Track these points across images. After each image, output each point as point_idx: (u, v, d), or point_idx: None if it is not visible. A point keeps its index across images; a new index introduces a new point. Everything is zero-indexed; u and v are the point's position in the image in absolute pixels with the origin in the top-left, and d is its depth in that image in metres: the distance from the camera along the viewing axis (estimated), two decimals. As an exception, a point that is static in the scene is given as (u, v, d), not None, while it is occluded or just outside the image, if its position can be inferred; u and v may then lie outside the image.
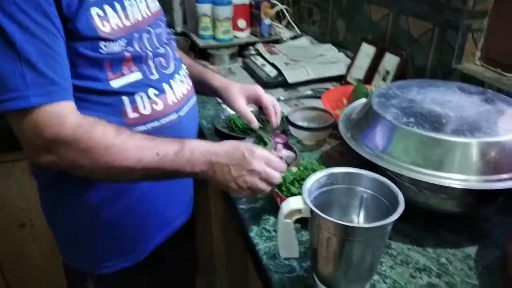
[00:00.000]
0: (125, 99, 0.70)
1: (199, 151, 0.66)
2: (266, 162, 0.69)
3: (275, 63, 1.39)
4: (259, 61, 1.46)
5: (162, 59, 0.76)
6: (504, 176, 0.65)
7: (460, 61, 1.03)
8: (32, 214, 1.42)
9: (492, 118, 0.71)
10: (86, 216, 0.76)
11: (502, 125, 0.70)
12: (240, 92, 0.91)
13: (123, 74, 0.69)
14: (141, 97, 0.72)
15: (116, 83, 0.69)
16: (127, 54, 0.69)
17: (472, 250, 0.69)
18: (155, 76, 0.74)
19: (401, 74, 1.18)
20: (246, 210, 0.80)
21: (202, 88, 0.96)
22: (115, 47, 0.66)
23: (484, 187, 0.65)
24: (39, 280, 1.52)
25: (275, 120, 0.91)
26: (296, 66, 1.39)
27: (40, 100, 0.59)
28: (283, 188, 0.75)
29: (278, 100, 1.20)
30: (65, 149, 0.61)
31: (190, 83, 0.86)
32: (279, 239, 0.59)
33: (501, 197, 0.71)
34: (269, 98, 0.92)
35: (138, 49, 0.71)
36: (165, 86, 0.76)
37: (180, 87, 0.80)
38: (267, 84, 1.33)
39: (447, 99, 0.77)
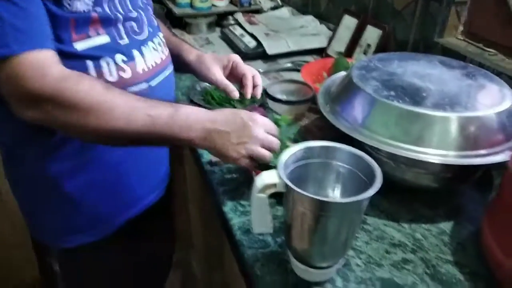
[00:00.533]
0: (90, 63, 0.65)
1: (195, 116, 0.63)
2: (267, 129, 0.67)
3: (255, 34, 1.34)
4: (238, 31, 1.41)
5: (134, 24, 0.71)
6: (482, 151, 0.64)
7: (443, 35, 1.01)
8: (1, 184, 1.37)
9: (473, 93, 0.70)
10: (47, 187, 0.72)
11: (482, 100, 0.68)
12: (214, 61, 0.86)
13: (88, 36, 0.64)
14: (107, 63, 0.66)
15: (80, 45, 0.63)
16: (94, 15, 0.64)
17: (447, 225, 0.69)
18: (125, 41, 0.69)
19: (382, 48, 1.15)
20: (221, 185, 0.77)
21: (176, 63, 0.88)
22: (80, 6, 0.61)
23: (462, 163, 0.64)
24: (9, 254, 1.48)
25: (254, 91, 0.84)
26: (276, 38, 1.35)
27: (21, 47, 0.55)
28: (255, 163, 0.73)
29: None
30: (49, 105, 0.57)
31: (166, 53, 0.81)
32: (252, 214, 0.57)
33: (478, 172, 0.70)
34: (248, 67, 0.86)
35: (107, 10, 0.66)
36: (135, 52, 0.71)
37: (152, 55, 0.75)
38: (246, 55, 1.29)
39: (428, 73, 0.75)
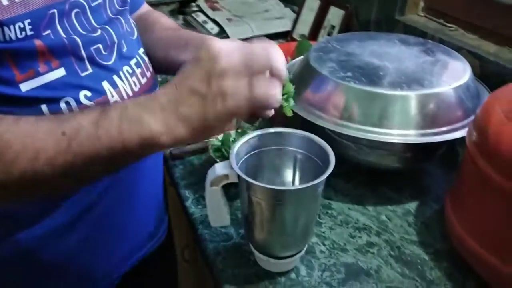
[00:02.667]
0: (44, 108, 0.48)
1: (135, 103, 0.44)
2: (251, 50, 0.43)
3: (217, 20, 1.31)
4: (201, 18, 1.37)
5: (100, 46, 0.53)
6: (443, 128, 0.63)
7: (404, 12, 0.99)
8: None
9: (431, 69, 0.69)
10: (16, 257, 0.56)
11: (441, 76, 0.67)
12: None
13: (37, 73, 0.47)
14: (68, 104, 0.49)
15: (27, 86, 0.47)
16: (39, 43, 0.46)
17: (412, 206, 0.68)
18: (88, 71, 0.52)
19: (346, 28, 1.14)
20: (182, 178, 0.75)
21: (179, 53, 0.66)
22: (13, 33, 0.44)
23: (423, 141, 0.63)
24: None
25: None
26: (239, 23, 1.31)
27: None
28: (218, 153, 0.70)
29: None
30: None
31: (149, 73, 0.62)
32: (208, 208, 0.55)
33: (441, 149, 0.69)
34: None
35: (60, 33, 0.49)
36: (104, 85, 0.53)
37: (129, 82, 0.57)
38: (209, 43, 1.25)
39: (386, 51, 0.74)
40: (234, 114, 0.44)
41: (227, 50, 0.43)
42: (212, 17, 1.34)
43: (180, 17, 1.50)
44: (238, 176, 0.50)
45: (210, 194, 0.53)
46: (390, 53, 0.73)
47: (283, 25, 1.32)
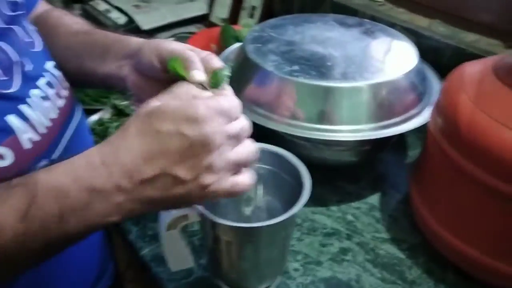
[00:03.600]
0: None
1: (78, 186, 0.33)
2: (223, 115, 0.36)
3: (122, 8, 1.16)
4: (102, 6, 1.20)
5: None
6: (398, 119, 0.60)
7: (328, -12, 0.94)
8: None
9: (378, 54, 0.65)
10: None
11: (389, 61, 0.63)
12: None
13: None
14: None
15: None
16: None
17: (375, 198, 0.65)
18: None
19: (268, 9, 1.06)
20: (119, 207, 0.64)
21: (98, 64, 0.52)
22: None
23: (379, 136, 0.59)
24: None
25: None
26: (149, 9, 1.18)
27: None
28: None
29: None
30: None
31: (67, 89, 0.50)
32: (166, 253, 0.46)
33: (394, 138, 0.67)
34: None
35: None
36: (11, 120, 0.40)
37: (45, 110, 0.44)
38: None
39: (328, 36, 0.68)
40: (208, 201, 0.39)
41: (219, 135, 0.35)
42: (115, 4, 1.18)
43: (77, 6, 1.31)
44: (201, 214, 0.42)
45: (167, 239, 0.44)
46: (331, 38, 0.68)
47: (199, 9, 1.21)
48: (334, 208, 0.64)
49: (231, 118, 0.36)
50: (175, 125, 0.34)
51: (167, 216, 0.43)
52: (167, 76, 0.42)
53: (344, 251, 0.57)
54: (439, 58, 0.76)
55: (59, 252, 0.37)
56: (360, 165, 0.70)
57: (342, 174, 0.68)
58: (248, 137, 0.38)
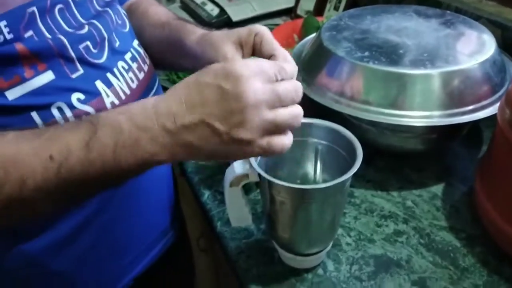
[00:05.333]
0: (35, 115, 0.45)
1: (131, 124, 0.38)
2: (264, 78, 0.38)
3: (216, 0, 1.25)
4: (199, -1, 1.31)
5: (88, 43, 0.49)
6: (470, 107, 0.60)
7: (415, -20, 0.94)
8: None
9: (454, 43, 0.64)
10: (21, 267, 0.53)
11: (463, 50, 0.63)
12: (227, 36, 0.54)
13: (23, 79, 0.43)
14: (60, 109, 0.46)
15: (14, 93, 0.43)
16: (20, 47, 0.42)
17: (438, 188, 0.65)
18: (79, 72, 0.48)
19: (354, 2, 1.08)
20: (195, 173, 0.72)
21: (174, 55, 0.61)
22: None
23: (448, 122, 0.59)
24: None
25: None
26: (240, 2, 1.26)
27: None
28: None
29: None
30: None
31: (147, 64, 0.58)
32: (228, 208, 0.52)
33: (466, 129, 0.66)
34: (278, 45, 0.52)
35: (44, 34, 0.45)
36: (98, 84, 0.49)
37: (125, 79, 0.53)
38: (210, 25, 1.20)
39: (404, 26, 0.69)
40: (245, 157, 0.42)
41: (256, 92, 0.37)
42: (211, -3, 1.29)
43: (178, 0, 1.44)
44: (259, 175, 0.47)
45: (230, 194, 0.50)
46: (407, 27, 0.69)
47: (286, 2, 1.26)
48: (394, 193, 0.65)
49: (273, 80, 0.38)
50: (215, 79, 0.38)
51: (231, 174, 0.49)
52: None
53: (398, 233, 0.59)
54: (526, 53, 0.72)
55: (119, 185, 0.44)
56: (427, 154, 0.70)
57: (407, 163, 0.69)
58: (296, 101, 0.40)
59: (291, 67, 0.43)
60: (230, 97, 0.37)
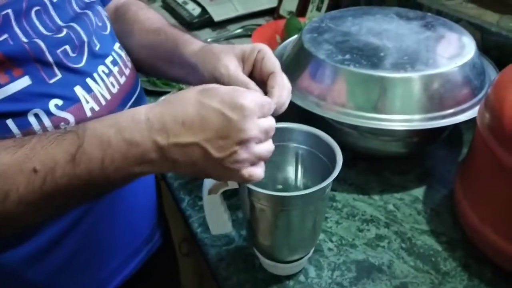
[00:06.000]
0: (10, 123, 0.43)
1: (120, 137, 0.38)
2: (260, 111, 0.40)
3: (198, 0, 1.24)
4: (180, -2, 1.29)
5: (67, 47, 0.47)
6: (450, 111, 0.60)
7: (396, -18, 0.94)
8: None
9: (434, 46, 0.64)
10: (2, 278, 0.51)
11: (444, 53, 0.63)
12: (228, 49, 0.53)
13: None
14: (37, 116, 0.44)
15: None
16: None
17: (419, 191, 0.65)
18: (57, 77, 0.46)
19: (336, 2, 1.08)
20: (175, 178, 0.70)
21: (168, 64, 0.60)
22: None
23: (428, 126, 0.59)
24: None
25: (284, 95, 0.49)
26: (222, 1, 1.24)
27: None
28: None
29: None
30: None
31: (128, 68, 0.56)
32: (207, 216, 0.51)
33: (446, 131, 0.66)
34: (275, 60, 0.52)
35: (19, 37, 0.43)
36: (77, 90, 0.47)
37: (107, 83, 0.51)
38: (192, 25, 1.19)
39: (385, 28, 0.69)
40: (223, 180, 0.45)
41: (254, 129, 0.39)
42: (192, -4, 1.27)
43: (159, -2, 1.42)
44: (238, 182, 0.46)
45: (208, 202, 0.49)
46: (388, 30, 0.68)
47: (269, 2, 1.25)
48: (376, 197, 0.65)
49: (265, 115, 0.41)
50: (221, 104, 0.38)
51: (209, 182, 0.47)
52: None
53: (380, 237, 0.59)
54: (505, 55, 0.73)
55: (103, 195, 0.44)
56: (408, 158, 0.70)
57: (388, 166, 0.69)
58: (270, 137, 0.42)
59: (287, 93, 0.48)
60: (232, 128, 0.38)
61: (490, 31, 0.75)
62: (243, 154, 0.39)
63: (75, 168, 0.37)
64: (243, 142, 0.39)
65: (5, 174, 0.37)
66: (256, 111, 0.39)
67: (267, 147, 0.41)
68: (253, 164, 0.41)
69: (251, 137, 0.39)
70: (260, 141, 0.40)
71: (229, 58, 0.52)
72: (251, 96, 0.40)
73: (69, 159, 0.37)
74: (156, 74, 0.62)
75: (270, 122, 0.41)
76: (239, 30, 1.18)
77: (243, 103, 0.38)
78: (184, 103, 0.39)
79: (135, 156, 0.38)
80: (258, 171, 0.41)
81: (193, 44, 0.57)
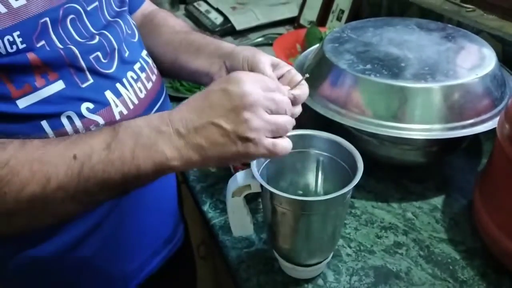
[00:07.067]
0: (45, 124, 0.46)
1: (149, 128, 0.42)
2: (263, 86, 0.43)
3: (220, 9, 1.27)
4: (203, 7, 1.33)
5: (99, 54, 0.50)
6: (470, 121, 0.60)
7: (417, -7, 0.95)
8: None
9: (454, 57, 0.65)
10: (29, 272, 0.54)
11: (464, 65, 0.64)
12: (264, 53, 0.55)
13: (34, 88, 0.44)
14: (70, 118, 0.47)
15: (24, 102, 0.44)
16: (33, 57, 0.43)
17: (438, 200, 0.65)
18: (89, 82, 0.49)
19: (356, 13, 1.09)
20: (197, 181, 0.72)
21: (192, 59, 0.61)
22: (2, 48, 0.41)
23: (448, 136, 0.60)
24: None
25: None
26: (244, 10, 1.27)
27: None
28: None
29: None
30: None
31: (155, 74, 0.59)
32: (230, 218, 0.53)
33: (466, 142, 0.67)
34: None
35: (55, 44, 0.46)
36: (107, 94, 0.50)
37: (134, 89, 0.54)
38: (214, 33, 1.22)
39: (405, 39, 0.70)
40: (251, 157, 0.44)
41: (256, 93, 0.42)
42: (215, 5, 1.30)
43: (182, 7, 1.45)
44: (261, 186, 0.48)
45: (232, 204, 0.51)
46: (409, 40, 0.70)
47: (290, 11, 1.28)
48: (395, 204, 0.65)
49: (271, 90, 0.43)
50: (219, 84, 0.43)
51: (233, 184, 0.49)
52: None
53: (398, 244, 0.59)
54: (528, 68, 0.73)
55: (131, 189, 0.46)
56: (427, 167, 0.70)
57: (408, 174, 0.70)
58: (288, 114, 0.44)
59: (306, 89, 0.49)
60: (232, 96, 0.41)
61: (511, 42, 0.75)
62: (255, 120, 0.41)
63: (109, 155, 0.41)
64: (249, 107, 0.41)
65: (48, 161, 0.40)
66: (253, 81, 0.42)
67: (283, 118, 0.43)
68: (274, 134, 0.43)
69: (255, 99, 0.41)
70: (270, 109, 0.42)
71: (266, 59, 0.54)
72: (247, 73, 0.44)
73: (104, 147, 0.41)
74: (174, 68, 0.63)
75: (280, 95, 0.44)
76: (260, 39, 1.21)
77: (237, 75, 0.43)
78: (195, 96, 0.44)
79: (162, 143, 0.41)
80: (283, 142, 0.43)
81: (224, 45, 0.60)
